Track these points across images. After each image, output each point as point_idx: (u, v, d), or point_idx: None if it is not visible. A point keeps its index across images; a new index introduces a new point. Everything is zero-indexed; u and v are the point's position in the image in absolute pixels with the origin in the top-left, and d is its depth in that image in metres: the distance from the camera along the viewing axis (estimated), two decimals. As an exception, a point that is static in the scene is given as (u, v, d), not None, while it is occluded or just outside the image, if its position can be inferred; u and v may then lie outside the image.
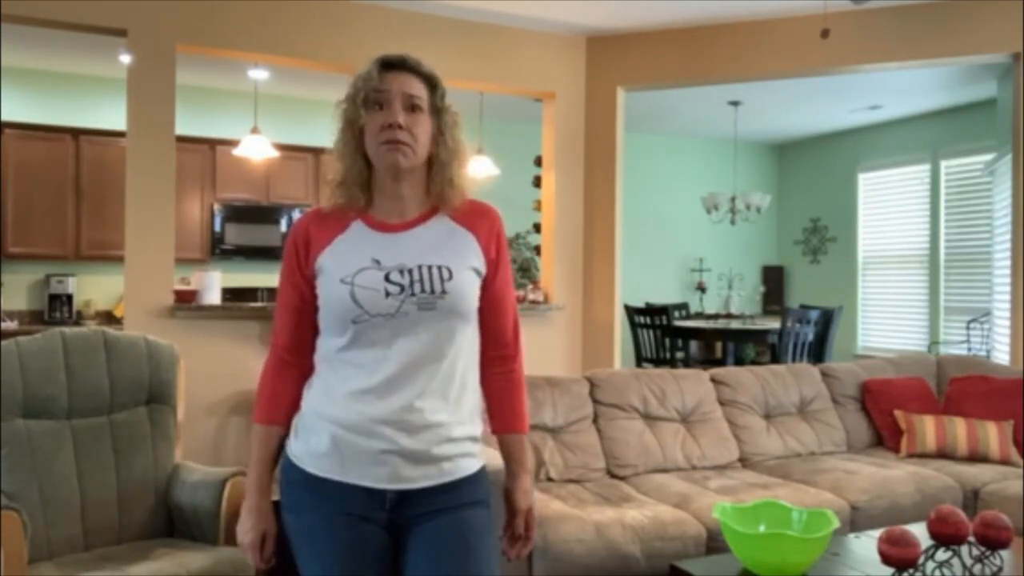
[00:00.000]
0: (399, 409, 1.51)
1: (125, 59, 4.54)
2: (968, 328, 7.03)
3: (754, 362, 7.91)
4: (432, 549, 1.53)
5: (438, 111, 1.60)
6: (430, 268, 1.54)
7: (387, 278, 1.52)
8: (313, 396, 1.59)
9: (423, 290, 1.52)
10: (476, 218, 1.64)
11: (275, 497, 1.60)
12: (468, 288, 1.57)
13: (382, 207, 1.61)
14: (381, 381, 1.51)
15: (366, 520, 1.53)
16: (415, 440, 1.51)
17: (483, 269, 1.62)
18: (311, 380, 1.62)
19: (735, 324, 7.49)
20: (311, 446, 1.55)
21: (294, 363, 1.63)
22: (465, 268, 1.58)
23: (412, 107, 1.56)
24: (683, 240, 9.07)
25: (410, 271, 1.53)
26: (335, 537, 1.52)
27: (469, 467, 1.59)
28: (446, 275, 1.54)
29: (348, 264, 1.55)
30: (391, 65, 1.58)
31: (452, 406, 1.55)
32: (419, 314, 1.51)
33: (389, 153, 1.54)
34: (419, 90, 1.57)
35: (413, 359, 1.52)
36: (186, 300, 4.44)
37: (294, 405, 1.62)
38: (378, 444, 1.50)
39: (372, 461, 1.51)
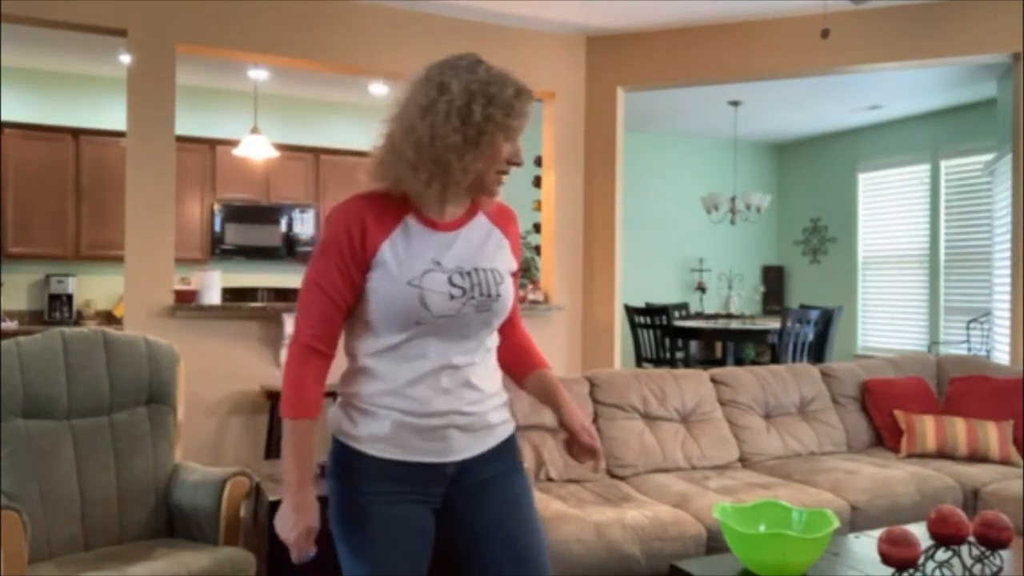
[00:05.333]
0: (454, 389, 1.59)
1: (125, 59, 4.54)
2: (968, 328, 7.03)
3: (754, 362, 7.91)
4: (496, 512, 1.65)
5: None
6: (486, 272, 1.62)
7: (450, 281, 1.57)
8: (368, 386, 1.60)
9: (482, 294, 1.60)
10: (507, 221, 1.73)
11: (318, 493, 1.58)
12: (512, 290, 1.69)
13: (426, 205, 1.61)
14: (437, 368, 1.58)
15: (418, 502, 1.61)
16: (468, 413, 1.61)
17: (514, 270, 1.72)
18: (355, 373, 1.62)
19: (735, 324, 7.48)
20: (372, 430, 1.59)
21: (324, 353, 1.58)
22: (508, 272, 1.69)
23: None
24: (683, 240, 9.07)
25: (468, 274, 1.60)
26: (384, 519, 1.58)
27: (509, 430, 1.73)
28: (499, 279, 1.64)
29: (412, 265, 1.56)
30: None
31: (491, 379, 1.67)
32: (475, 315, 1.59)
33: (499, 186, 1.62)
34: None
35: (465, 349, 1.61)
36: (186, 300, 4.44)
37: (322, 396, 1.58)
38: (436, 422, 1.59)
39: (432, 438, 1.59)
